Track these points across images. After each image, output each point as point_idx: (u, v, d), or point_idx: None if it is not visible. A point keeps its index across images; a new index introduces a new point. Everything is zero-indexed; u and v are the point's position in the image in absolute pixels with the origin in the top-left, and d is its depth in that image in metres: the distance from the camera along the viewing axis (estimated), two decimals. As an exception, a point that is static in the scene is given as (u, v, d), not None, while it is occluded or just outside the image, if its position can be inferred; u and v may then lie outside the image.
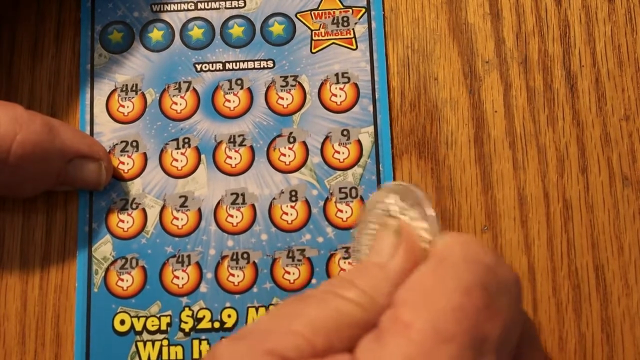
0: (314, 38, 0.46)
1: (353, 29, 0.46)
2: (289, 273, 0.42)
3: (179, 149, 0.44)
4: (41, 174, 0.41)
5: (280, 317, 0.31)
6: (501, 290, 0.30)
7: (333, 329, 0.30)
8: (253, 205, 0.43)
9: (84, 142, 0.42)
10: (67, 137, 0.41)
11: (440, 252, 0.32)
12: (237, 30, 0.46)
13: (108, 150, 0.44)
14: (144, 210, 0.44)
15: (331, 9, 0.46)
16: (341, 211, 0.43)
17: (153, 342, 0.42)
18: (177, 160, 0.44)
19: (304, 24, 0.46)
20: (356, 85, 0.45)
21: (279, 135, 0.44)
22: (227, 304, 0.42)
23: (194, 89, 0.45)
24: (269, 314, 0.32)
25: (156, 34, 0.46)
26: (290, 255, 0.43)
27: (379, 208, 0.35)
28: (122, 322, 0.42)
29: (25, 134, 0.40)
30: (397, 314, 0.29)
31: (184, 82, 0.45)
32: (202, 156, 0.44)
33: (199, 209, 0.43)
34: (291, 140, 0.44)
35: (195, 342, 0.42)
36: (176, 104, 0.45)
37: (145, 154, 0.44)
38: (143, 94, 0.45)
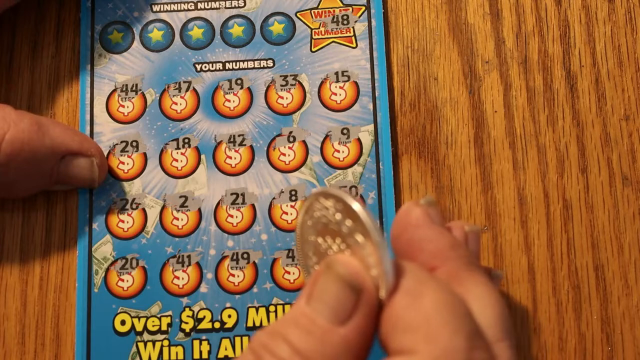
0: (313, 37, 0.46)
1: (353, 27, 0.46)
2: (289, 273, 0.42)
3: (179, 149, 0.44)
4: (33, 173, 0.41)
5: None
6: None
7: None
8: (253, 205, 0.43)
9: (75, 139, 0.42)
10: (57, 134, 0.41)
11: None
12: (237, 29, 0.46)
13: (108, 150, 0.44)
14: (144, 210, 0.44)
15: (331, 8, 0.46)
16: (341, 211, 0.43)
17: (154, 342, 0.42)
18: (177, 160, 0.44)
19: (303, 23, 0.46)
20: (356, 83, 0.45)
21: (279, 135, 0.44)
22: (228, 304, 0.42)
23: (194, 88, 0.45)
24: None
25: (156, 34, 0.46)
26: (290, 255, 0.43)
27: (317, 215, 0.32)
28: (123, 323, 0.42)
29: (14, 132, 0.40)
30: None
31: (184, 82, 0.45)
32: (202, 156, 0.44)
33: (199, 209, 0.43)
34: (291, 139, 0.44)
35: (196, 343, 0.42)
36: (176, 104, 0.45)
37: (145, 154, 0.44)
38: (143, 94, 0.45)
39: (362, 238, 0.30)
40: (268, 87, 0.45)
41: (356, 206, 0.30)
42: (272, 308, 0.42)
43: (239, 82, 0.45)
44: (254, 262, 0.43)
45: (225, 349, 0.42)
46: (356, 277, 0.29)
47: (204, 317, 0.42)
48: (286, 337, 0.28)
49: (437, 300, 0.28)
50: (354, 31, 0.46)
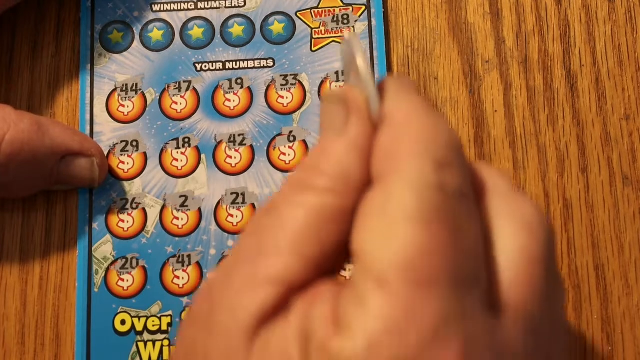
0: (314, 36, 0.46)
1: (353, 27, 0.46)
2: (289, 273, 0.42)
3: (179, 148, 0.44)
4: (33, 173, 0.41)
5: (262, 237, 0.28)
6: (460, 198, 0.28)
7: (315, 231, 0.28)
8: (253, 205, 0.43)
9: (75, 139, 0.42)
10: (57, 134, 0.41)
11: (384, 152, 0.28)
12: (237, 29, 0.46)
13: (108, 150, 0.44)
14: (144, 210, 0.43)
15: (331, 7, 0.46)
16: (341, 211, 0.43)
17: (154, 342, 0.42)
18: (177, 160, 0.44)
19: (304, 22, 0.46)
20: (356, 84, 0.45)
21: (279, 134, 0.44)
22: (228, 304, 0.42)
23: (194, 88, 0.45)
24: (247, 235, 0.29)
25: (156, 34, 0.46)
26: (291, 254, 0.43)
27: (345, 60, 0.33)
28: (123, 322, 0.42)
29: (14, 132, 0.40)
30: (367, 264, 0.26)
31: (184, 81, 0.45)
32: (202, 156, 0.44)
33: (199, 209, 0.43)
34: (291, 139, 0.44)
35: (196, 342, 0.42)
36: (176, 103, 0.45)
37: (145, 154, 0.44)
38: (143, 94, 0.45)
39: (355, 71, 0.30)
40: (268, 87, 0.45)
41: (347, 35, 0.31)
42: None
43: (239, 81, 0.45)
44: (254, 262, 0.43)
45: (226, 349, 0.42)
46: (342, 92, 0.30)
47: (204, 316, 0.42)
48: (300, 166, 0.30)
49: (415, 129, 0.28)
50: (354, 31, 0.46)
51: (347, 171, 0.28)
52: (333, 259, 0.28)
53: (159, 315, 0.42)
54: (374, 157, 0.29)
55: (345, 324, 0.26)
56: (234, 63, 0.45)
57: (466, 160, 0.29)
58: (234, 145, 0.44)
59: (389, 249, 0.26)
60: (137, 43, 0.46)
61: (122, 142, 0.44)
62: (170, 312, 0.42)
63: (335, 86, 0.45)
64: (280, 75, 0.45)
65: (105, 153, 0.44)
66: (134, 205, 0.44)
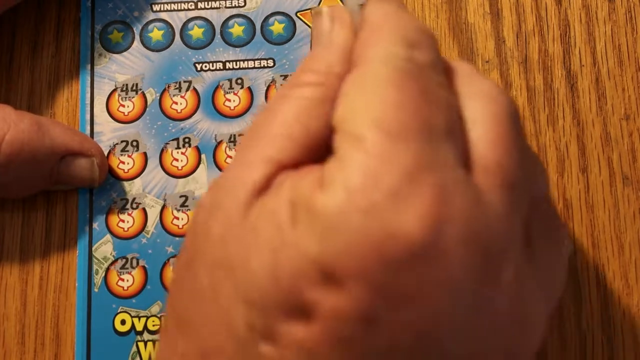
0: (314, 37, 0.46)
1: None
2: (289, 273, 0.42)
3: (179, 148, 0.44)
4: (33, 173, 0.41)
5: (259, 129, 0.31)
6: (431, 64, 0.30)
7: (304, 117, 0.30)
8: (253, 205, 0.43)
9: (75, 139, 0.42)
10: (57, 134, 0.41)
11: (366, 32, 0.32)
12: (237, 29, 0.46)
13: (108, 150, 0.44)
14: (144, 210, 0.43)
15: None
16: (341, 211, 0.43)
17: (154, 342, 0.42)
18: (177, 160, 0.44)
19: (304, 22, 0.46)
20: (356, 84, 0.45)
21: (279, 135, 0.44)
22: (228, 304, 0.42)
23: (194, 88, 0.45)
24: (246, 132, 0.33)
25: (156, 34, 0.46)
26: (291, 254, 0.43)
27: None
28: (123, 322, 0.42)
29: (14, 132, 0.40)
30: (346, 128, 0.29)
31: (184, 81, 0.45)
32: (203, 156, 0.44)
33: (200, 209, 0.43)
34: (291, 139, 0.44)
35: (196, 342, 0.42)
36: (176, 103, 0.45)
37: (145, 154, 0.44)
38: (143, 94, 0.45)
39: None
40: (268, 87, 0.45)
41: None
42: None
43: (239, 81, 0.45)
44: (254, 262, 0.43)
45: (226, 349, 0.42)
46: (329, 9, 0.34)
47: (204, 316, 0.42)
48: (305, 67, 0.33)
49: (394, 19, 0.31)
50: None
51: (331, 67, 0.32)
52: (322, 143, 0.30)
53: (159, 315, 0.42)
54: (354, 52, 0.31)
55: (328, 182, 0.28)
56: (234, 63, 0.45)
57: (437, 47, 0.32)
58: (235, 145, 0.44)
59: (365, 111, 0.28)
60: (137, 43, 0.46)
61: (122, 142, 0.44)
62: (170, 312, 0.42)
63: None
64: (281, 76, 0.45)
65: (106, 153, 0.44)
66: (134, 205, 0.44)
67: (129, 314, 0.42)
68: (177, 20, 0.46)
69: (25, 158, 0.40)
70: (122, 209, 0.44)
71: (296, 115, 0.31)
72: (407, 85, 0.28)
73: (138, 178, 0.44)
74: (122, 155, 0.44)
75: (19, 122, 0.40)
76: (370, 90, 0.29)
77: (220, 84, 0.45)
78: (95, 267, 0.43)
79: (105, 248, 0.43)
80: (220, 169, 0.44)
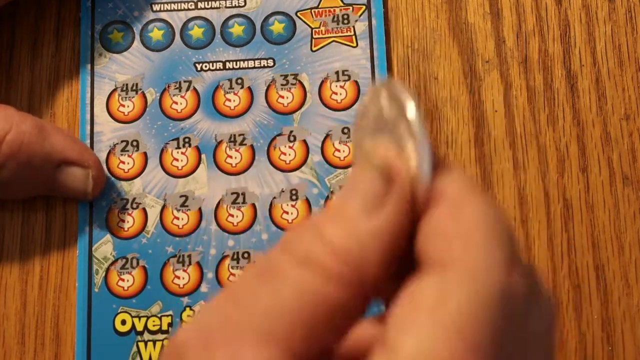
0: (314, 36, 0.46)
1: (353, 27, 0.46)
2: (289, 273, 0.42)
3: (180, 148, 0.44)
4: (29, 176, 0.41)
5: (243, 311, 0.24)
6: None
7: (306, 322, 0.23)
8: (253, 205, 0.43)
9: (74, 148, 0.42)
10: (57, 141, 0.41)
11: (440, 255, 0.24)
12: (237, 29, 0.46)
13: (108, 150, 0.44)
14: (144, 210, 0.43)
15: (331, 7, 0.46)
16: (342, 210, 0.43)
17: (154, 342, 0.42)
18: (177, 160, 0.44)
19: (304, 22, 0.46)
20: (357, 83, 0.45)
21: (280, 134, 0.44)
22: (228, 304, 0.42)
23: (194, 88, 0.45)
24: (227, 300, 0.25)
25: (156, 34, 0.46)
26: (291, 254, 0.43)
27: (373, 109, 0.29)
28: (123, 322, 0.42)
29: (15, 134, 0.40)
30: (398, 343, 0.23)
31: (184, 81, 0.45)
32: (203, 155, 0.44)
33: (200, 209, 0.43)
34: (291, 139, 0.44)
35: (196, 342, 0.42)
36: (176, 103, 0.45)
37: (145, 154, 0.44)
38: (143, 94, 0.45)
39: (406, 132, 0.27)
40: (268, 87, 0.45)
41: (406, 98, 0.27)
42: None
43: (239, 81, 0.45)
44: (254, 262, 0.43)
45: (226, 349, 0.42)
46: (388, 166, 0.26)
47: (205, 316, 0.42)
48: (312, 226, 0.25)
49: (480, 212, 0.25)
50: (354, 30, 0.46)
51: (364, 260, 0.24)
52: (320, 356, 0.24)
53: (159, 315, 0.42)
54: (424, 235, 0.25)
55: None
56: (234, 63, 0.45)
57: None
58: (234, 145, 0.44)
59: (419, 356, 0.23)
60: (137, 43, 0.46)
61: (122, 142, 0.44)
62: (170, 312, 0.42)
63: (336, 86, 0.45)
64: (281, 75, 0.45)
65: (106, 153, 0.44)
66: (134, 205, 0.44)
67: (129, 314, 0.42)
68: (177, 20, 0.46)
69: (22, 160, 0.40)
70: (122, 209, 0.43)
71: (296, 315, 0.24)
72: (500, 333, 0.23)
73: (138, 178, 0.44)
74: (122, 155, 0.44)
75: (20, 124, 0.40)
76: (443, 334, 0.23)
77: (220, 83, 0.45)
78: (95, 267, 0.43)
79: (105, 248, 0.43)
80: (220, 169, 0.44)
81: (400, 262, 0.26)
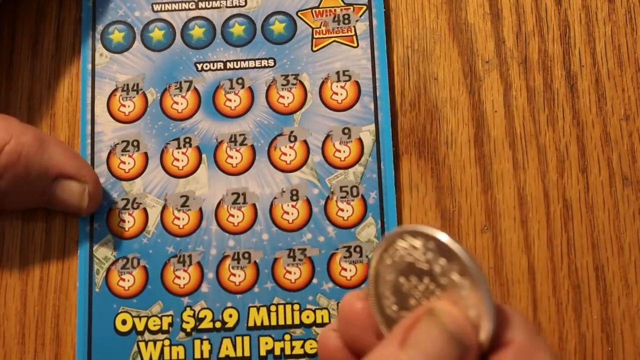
0: (314, 36, 0.46)
1: (354, 27, 0.46)
2: (290, 273, 0.42)
3: (180, 148, 0.44)
4: (25, 188, 0.41)
5: None
6: None
7: None
8: (254, 205, 0.43)
9: (72, 163, 0.42)
10: (56, 154, 0.41)
11: None
12: (238, 29, 0.46)
13: (109, 150, 0.44)
14: (145, 210, 0.43)
15: (332, 7, 0.46)
16: (342, 210, 0.43)
17: (155, 342, 0.42)
18: (178, 160, 0.44)
19: (304, 22, 0.46)
20: (357, 83, 0.45)
21: (280, 135, 0.44)
22: (229, 304, 0.42)
23: (195, 88, 0.45)
24: None
25: (157, 34, 0.46)
26: (292, 254, 0.43)
27: (400, 254, 0.31)
28: (124, 322, 0.42)
29: (14, 145, 0.40)
30: None
31: (185, 81, 0.45)
32: (203, 156, 0.44)
33: (200, 209, 0.43)
34: (292, 139, 0.44)
35: (197, 342, 0.42)
36: (177, 103, 0.45)
37: (146, 154, 0.44)
38: (144, 94, 0.45)
39: (459, 277, 0.28)
40: (269, 87, 0.45)
41: (454, 245, 0.29)
42: (273, 308, 0.42)
43: (240, 81, 0.45)
44: (255, 262, 0.43)
45: (227, 349, 0.42)
46: (462, 332, 0.27)
47: (205, 316, 0.42)
48: None
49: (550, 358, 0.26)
50: (355, 31, 0.46)
51: None
52: None
53: (159, 315, 0.42)
54: None
55: None
56: (235, 63, 0.45)
57: None
58: (235, 145, 0.44)
59: None
60: (138, 43, 0.46)
61: (123, 142, 0.44)
62: (171, 312, 0.42)
63: (336, 86, 0.45)
64: (281, 75, 0.45)
65: (106, 153, 0.44)
66: (135, 205, 0.44)
67: (130, 314, 0.42)
68: (177, 20, 0.46)
69: (19, 171, 0.40)
70: (123, 209, 0.44)
71: None
72: None
73: (139, 178, 0.44)
74: (122, 155, 0.44)
75: (21, 135, 0.40)
76: None
77: (221, 83, 0.45)
78: (96, 267, 0.43)
79: (106, 248, 0.43)
80: (221, 169, 0.44)
81: None
